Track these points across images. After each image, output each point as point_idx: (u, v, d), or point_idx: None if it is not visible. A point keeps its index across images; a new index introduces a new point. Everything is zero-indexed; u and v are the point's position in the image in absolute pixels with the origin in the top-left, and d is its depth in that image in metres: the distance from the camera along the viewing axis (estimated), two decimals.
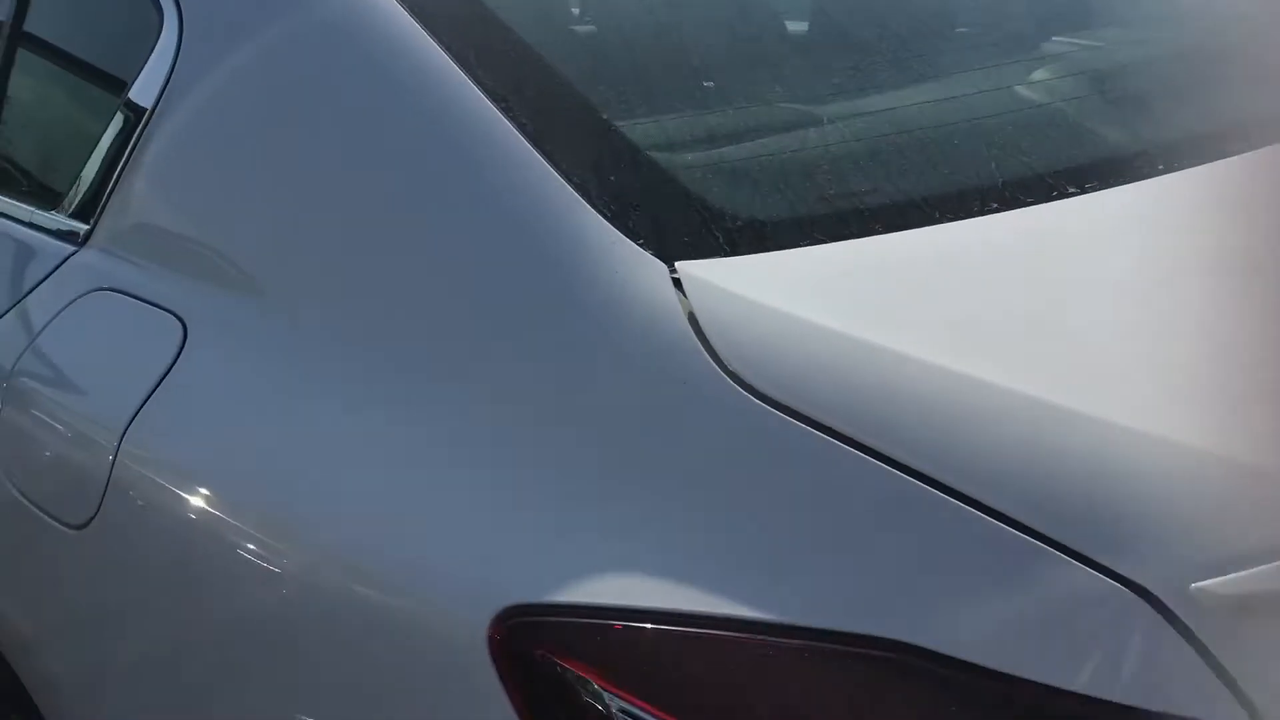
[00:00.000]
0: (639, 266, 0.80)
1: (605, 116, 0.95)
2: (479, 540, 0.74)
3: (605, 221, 0.83)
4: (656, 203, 0.87)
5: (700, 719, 0.65)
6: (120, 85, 1.17)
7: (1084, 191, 0.92)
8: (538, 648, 0.69)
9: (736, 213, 0.87)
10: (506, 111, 0.88)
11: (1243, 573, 0.60)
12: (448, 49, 0.91)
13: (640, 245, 0.82)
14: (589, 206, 0.83)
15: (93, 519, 0.97)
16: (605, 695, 0.67)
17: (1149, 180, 0.95)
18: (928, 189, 0.93)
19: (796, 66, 1.20)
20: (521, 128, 0.87)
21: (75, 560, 1.00)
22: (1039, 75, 1.20)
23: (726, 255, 0.83)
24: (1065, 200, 0.91)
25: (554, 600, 0.69)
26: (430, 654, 0.73)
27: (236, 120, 1.03)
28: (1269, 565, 0.61)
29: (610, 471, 0.73)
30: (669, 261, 0.81)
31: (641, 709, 0.66)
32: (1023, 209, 0.90)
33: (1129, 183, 0.94)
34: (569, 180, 0.85)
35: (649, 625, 0.67)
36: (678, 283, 0.80)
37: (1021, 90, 1.15)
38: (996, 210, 0.89)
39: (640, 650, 0.67)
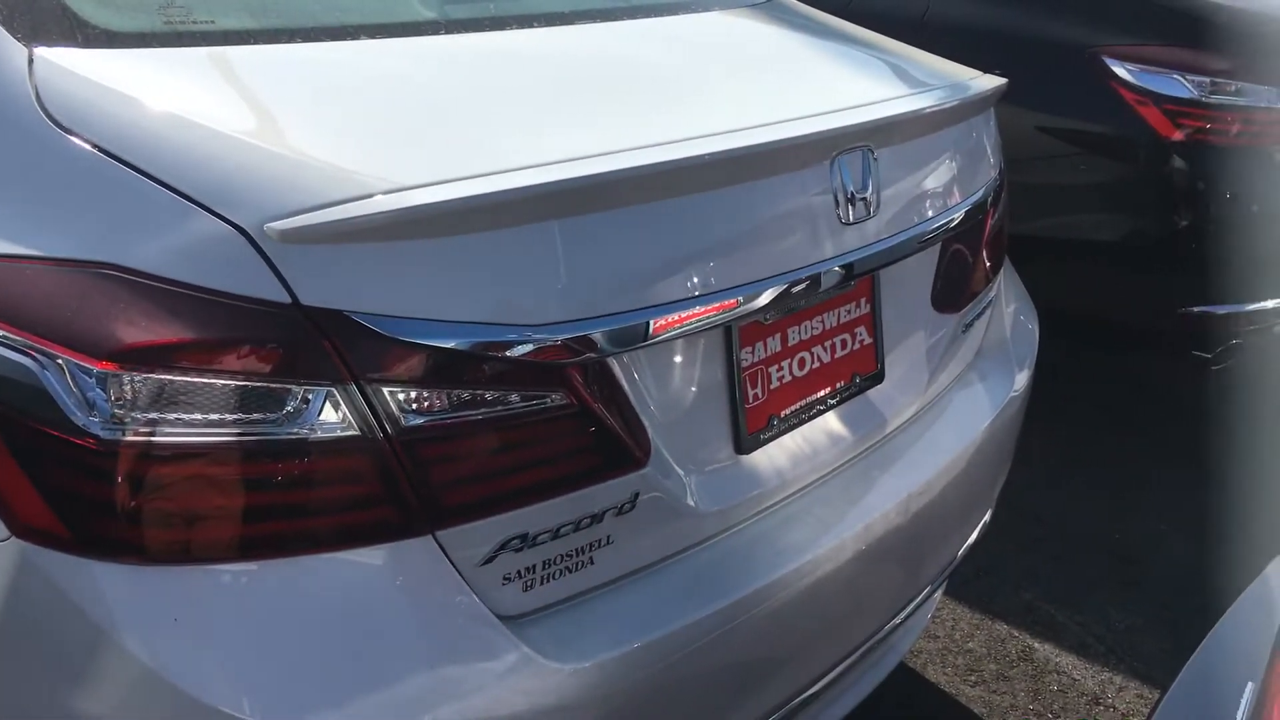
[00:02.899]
0: (6, 45, 1.20)
1: None
2: None
3: None
4: (30, 9, 1.26)
5: (9, 313, 1.06)
6: None
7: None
8: None
9: (91, 23, 1.28)
10: None
11: (302, 216, 1.08)
12: None
13: (9, 33, 1.21)
14: None
15: None
16: None
17: None
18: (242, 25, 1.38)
19: None
20: None
21: None
22: None
23: (78, 47, 1.24)
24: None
25: None
26: None
27: None
28: (323, 210, 1.08)
29: None
30: (29, 46, 1.21)
31: None
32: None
33: None
34: None
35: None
36: (33, 60, 1.20)
37: None
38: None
39: None
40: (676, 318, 1.32)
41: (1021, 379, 2.01)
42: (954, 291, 1.85)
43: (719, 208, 1.38)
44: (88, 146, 1.13)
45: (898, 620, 1.78)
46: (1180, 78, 3.11)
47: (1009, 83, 1.93)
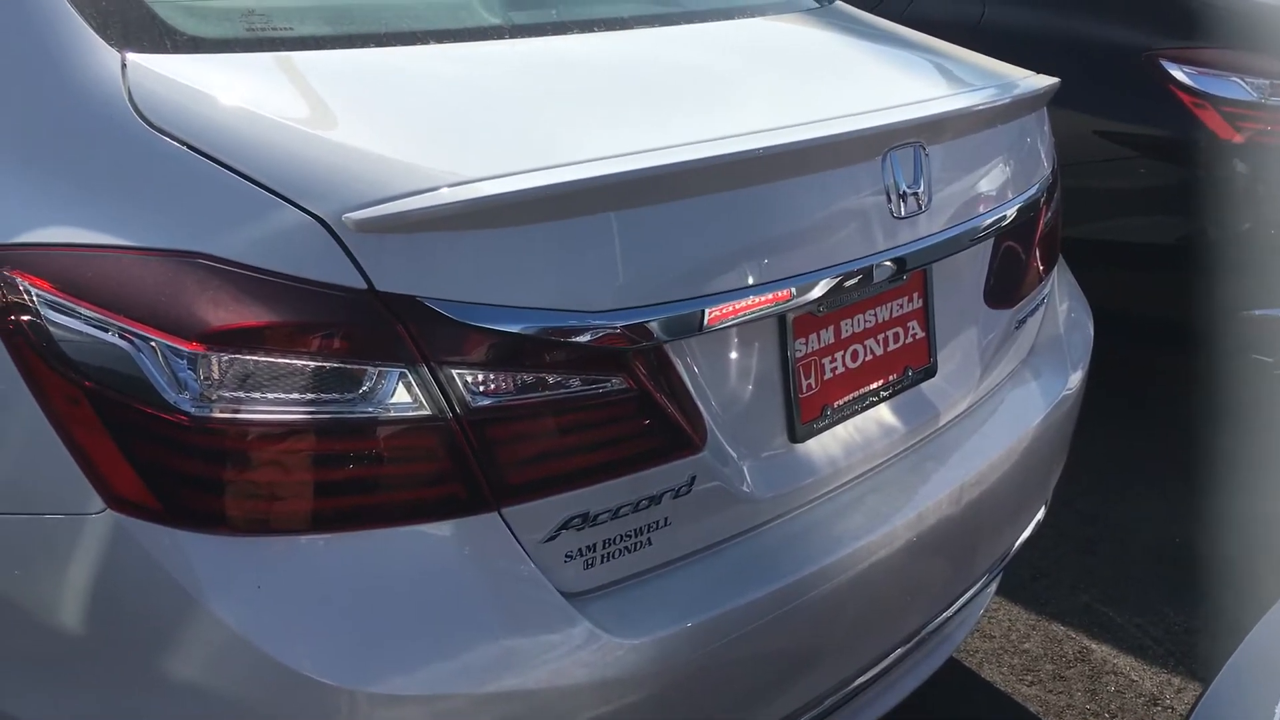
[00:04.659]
0: (99, 50, 1.28)
1: None
2: None
3: (88, 26, 1.30)
4: (122, 18, 1.33)
5: (107, 299, 1.14)
6: None
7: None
8: (9, 269, 1.16)
9: (179, 30, 1.36)
10: None
11: (378, 207, 1.14)
12: None
13: (104, 40, 1.29)
14: (78, 17, 1.30)
15: None
16: (56, 300, 1.15)
17: None
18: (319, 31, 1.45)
19: None
20: None
21: None
22: None
23: (167, 53, 1.32)
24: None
25: (19, 240, 1.17)
26: None
27: None
28: (397, 201, 1.15)
29: (50, 173, 1.21)
30: (122, 52, 1.29)
31: (86, 307, 1.14)
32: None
33: None
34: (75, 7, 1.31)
35: (82, 253, 1.16)
36: (125, 64, 1.28)
37: None
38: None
39: (83, 269, 1.15)
40: (731, 308, 1.37)
41: (1075, 378, 2.03)
42: (1007, 288, 1.88)
43: (773, 202, 1.42)
44: (177, 144, 1.20)
45: (950, 612, 1.81)
46: (1239, 80, 3.10)
47: (1066, 86, 1.95)
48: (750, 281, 1.39)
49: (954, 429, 1.79)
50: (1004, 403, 1.90)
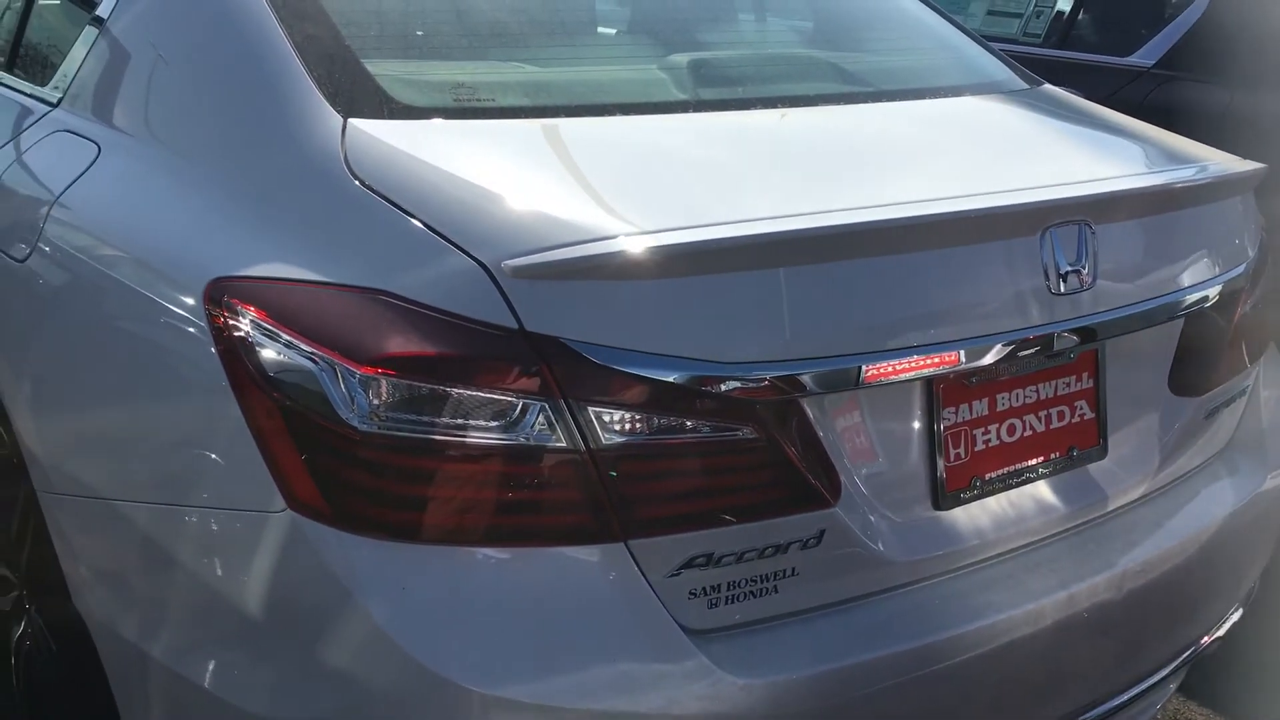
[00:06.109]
0: (327, 115, 1.49)
1: (344, 42, 1.62)
2: (203, 245, 1.43)
3: (320, 95, 1.51)
4: (351, 88, 1.54)
5: (302, 325, 1.32)
6: (92, 5, 1.88)
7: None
8: (231, 297, 1.37)
9: (397, 100, 1.55)
10: (288, 33, 1.57)
11: (533, 255, 1.27)
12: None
13: (333, 106, 1.50)
14: (315, 88, 1.52)
15: (29, 255, 1.67)
16: (264, 325, 1.34)
17: None
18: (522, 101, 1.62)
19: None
20: (298, 49, 1.56)
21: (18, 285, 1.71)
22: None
23: (383, 119, 1.51)
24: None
25: (242, 274, 1.38)
26: (171, 306, 1.43)
27: (139, 38, 1.74)
28: (551, 251, 1.28)
29: (274, 218, 1.42)
30: (345, 117, 1.49)
31: (285, 332, 1.33)
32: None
33: None
34: (310, 73, 1.53)
35: (287, 285, 1.35)
36: (344, 128, 1.48)
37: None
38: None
39: (287, 299, 1.35)
40: (876, 370, 1.41)
41: (1274, 477, 1.92)
42: (1195, 375, 1.82)
43: (923, 271, 1.46)
44: (376, 196, 1.38)
45: (1111, 704, 1.75)
46: None
47: None
48: (896, 345, 1.43)
49: (1125, 515, 1.74)
50: (1187, 495, 1.83)
